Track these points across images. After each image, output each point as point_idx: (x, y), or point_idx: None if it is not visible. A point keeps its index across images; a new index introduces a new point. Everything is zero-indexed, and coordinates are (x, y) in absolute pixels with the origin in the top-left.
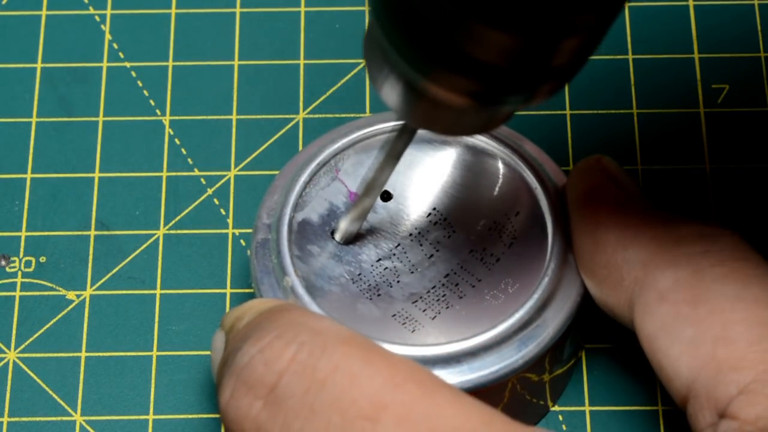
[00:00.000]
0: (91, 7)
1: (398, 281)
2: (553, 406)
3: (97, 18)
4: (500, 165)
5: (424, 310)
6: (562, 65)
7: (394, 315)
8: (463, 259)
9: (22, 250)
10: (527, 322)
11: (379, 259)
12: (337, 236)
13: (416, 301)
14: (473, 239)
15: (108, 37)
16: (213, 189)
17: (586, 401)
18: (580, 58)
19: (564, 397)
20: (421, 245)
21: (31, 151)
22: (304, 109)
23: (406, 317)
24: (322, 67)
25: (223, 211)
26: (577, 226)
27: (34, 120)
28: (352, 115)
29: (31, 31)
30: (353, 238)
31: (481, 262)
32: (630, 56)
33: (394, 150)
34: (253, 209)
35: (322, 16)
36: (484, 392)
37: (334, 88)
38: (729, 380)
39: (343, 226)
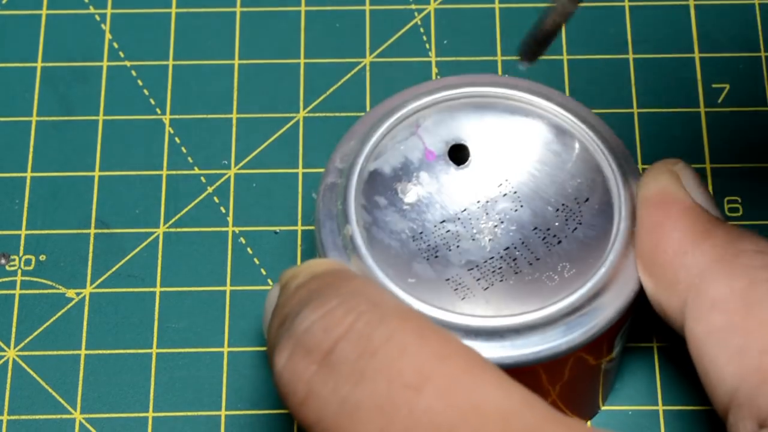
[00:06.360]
0: (91, 7)
1: (458, 246)
2: (603, 404)
3: (97, 17)
4: (579, 148)
5: (477, 279)
6: None
7: (448, 279)
8: (525, 235)
9: (22, 248)
10: (576, 308)
11: (443, 221)
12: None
13: (472, 269)
14: (539, 217)
15: (108, 36)
16: (213, 187)
17: None
18: None
19: None
20: (487, 214)
21: (31, 150)
22: (304, 108)
23: (459, 283)
24: (322, 66)
25: (223, 210)
26: (642, 224)
27: (34, 119)
28: (352, 114)
29: (31, 31)
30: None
31: (542, 241)
32: (630, 56)
33: None
34: (253, 208)
35: (322, 15)
36: (525, 372)
37: (334, 87)
38: None
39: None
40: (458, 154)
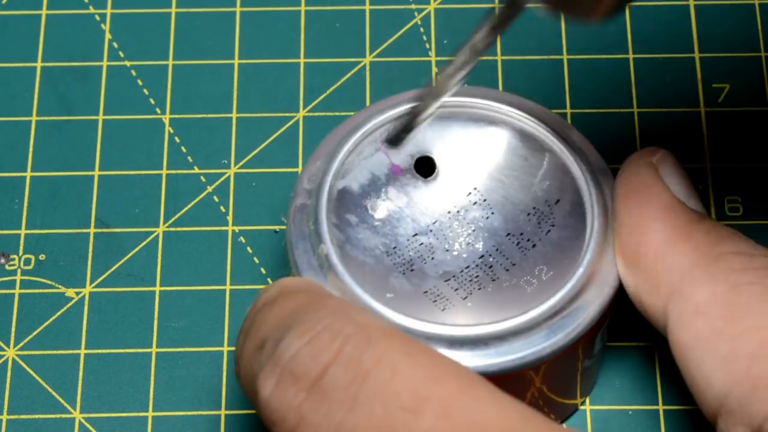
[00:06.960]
0: (91, 7)
1: (433, 258)
2: (581, 403)
3: (97, 17)
4: (546, 151)
5: (456, 290)
6: None
7: (426, 292)
8: (499, 242)
9: (21, 247)
10: (558, 310)
11: (416, 234)
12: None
13: (449, 279)
14: (511, 223)
15: (108, 36)
16: (213, 187)
17: (587, 400)
18: None
19: None
20: (458, 224)
21: (31, 149)
22: (304, 108)
23: (438, 295)
24: (322, 65)
25: (222, 209)
26: (621, 223)
27: (34, 119)
28: (352, 114)
29: (31, 31)
30: (398, 140)
31: (517, 247)
32: (630, 56)
33: (500, 24)
34: (253, 207)
35: (322, 15)
36: (509, 378)
37: (334, 87)
38: (765, 397)
39: (425, 106)
40: (425, 167)
